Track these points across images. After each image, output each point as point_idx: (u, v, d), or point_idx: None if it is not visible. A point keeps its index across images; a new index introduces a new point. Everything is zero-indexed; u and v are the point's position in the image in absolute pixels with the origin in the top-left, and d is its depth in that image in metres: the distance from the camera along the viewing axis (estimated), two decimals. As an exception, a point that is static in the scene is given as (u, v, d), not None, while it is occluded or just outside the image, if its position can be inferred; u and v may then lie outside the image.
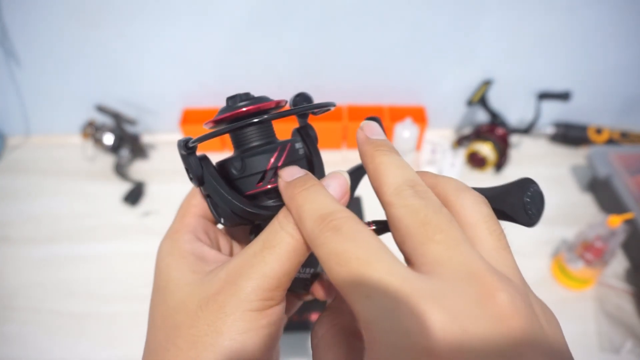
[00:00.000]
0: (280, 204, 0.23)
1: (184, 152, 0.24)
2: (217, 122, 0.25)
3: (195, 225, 0.26)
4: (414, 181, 0.20)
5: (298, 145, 0.26)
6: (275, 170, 0.24)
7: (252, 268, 0.21)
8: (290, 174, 0.23)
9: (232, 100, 0.25)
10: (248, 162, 0.24)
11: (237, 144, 0.26)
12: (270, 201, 0.25)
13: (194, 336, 0.21)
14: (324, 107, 0.25)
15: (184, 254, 0.24)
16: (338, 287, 0.18)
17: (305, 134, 0.28)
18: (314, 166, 0.27)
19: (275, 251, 0.21)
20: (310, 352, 0.24)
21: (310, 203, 0.20)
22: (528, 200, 0.22)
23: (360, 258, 0.17)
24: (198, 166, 0.24)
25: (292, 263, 0.22)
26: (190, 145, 0.23)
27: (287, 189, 0.22)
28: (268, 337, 0.22)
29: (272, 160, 0.24)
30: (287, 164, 0.24)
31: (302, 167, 0.24)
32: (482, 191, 0.23)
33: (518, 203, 0.22)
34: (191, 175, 0.24)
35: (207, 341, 0.21)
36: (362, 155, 0.22)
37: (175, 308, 0.23)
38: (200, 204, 0.27)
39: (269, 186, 0.24)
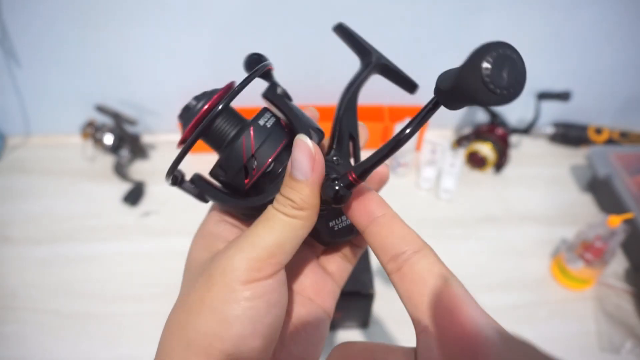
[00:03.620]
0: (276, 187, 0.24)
1: (172, 185, 0.25)
2: (184, 140, 0.25)
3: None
4: None
5: (263, 119, 0.25)
6: (252, 157, 0.24)
7: (243, 239, 0.22)
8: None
9: (185, 110, 0.26)
10: (225, 164, 0.24)
11: (215, 146, 0.26)
12: (271, 184, 0.25)
13: (190, 305, 0.22)
14: (262, 68, 0.26)
15: (204, 233, 0.26)
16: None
17: (272, 96, 0.26)
18: (294, 124, 0.25)
19: (267, 224, 0.22)
20: (324, 351, 0.24)
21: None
22: (488, 67, 0.16)
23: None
24: (193, 189, 0.26)
25: (286, 236, 0.22)
26: (170, 179, 0.25)
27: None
28: (252, 311, 0.21)
29: (244, 152, 0.24)
30: (260, 146, 0.24)
31: (278, 137, 0.25)
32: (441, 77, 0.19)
33: (474, 75, 0.16)
34: (193, 197, 0.26)
35: (195, 309, 0.22)
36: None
37: (187, 286, 0.24)
38: None
39: (255, 178, 0.24)
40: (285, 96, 0.26)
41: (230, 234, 0.26)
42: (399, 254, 0.21)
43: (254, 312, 0.21)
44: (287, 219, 0.22)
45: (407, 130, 0.20)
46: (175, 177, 0.25)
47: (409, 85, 0.31)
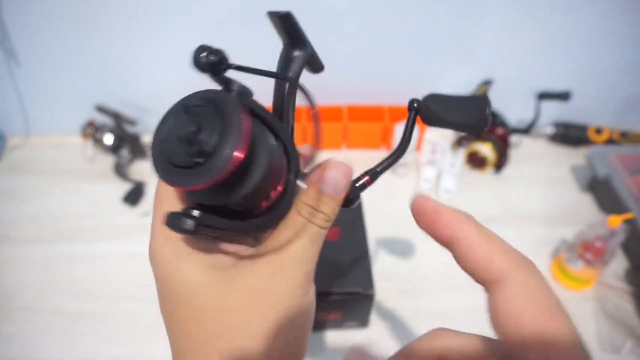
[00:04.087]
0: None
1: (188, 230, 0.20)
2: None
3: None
4: None
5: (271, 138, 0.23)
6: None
7: (285, 256, 0.22)
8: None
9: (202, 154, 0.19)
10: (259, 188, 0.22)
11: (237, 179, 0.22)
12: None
13: (232, 330, 0.21)
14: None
15: (194, 253, 0.23)
16: None
17: (256, 107, 0.23)
18: (282, 137, 0.23)
19: (311, 238, 0.23)
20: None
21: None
22: (490, 113, 0.23)
23: None
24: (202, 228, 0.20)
25: (319, 248, 0.23)
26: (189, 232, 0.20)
27: None
28: (302, 325, 0.23)
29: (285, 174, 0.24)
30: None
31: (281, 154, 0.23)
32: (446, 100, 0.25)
33: (478, 115, 0.23)
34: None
35: (245, 334, 0.21)
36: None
37: (202, 310, 0.22)
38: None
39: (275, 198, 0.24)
40: (250, 95, 0.24)
41: (224, 246, 0.24)
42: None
43: (305, 326, 0.23)
44: (322, 231, 0.23)
45: (404, 140, 0.26)
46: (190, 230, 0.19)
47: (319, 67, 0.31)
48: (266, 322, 0.21)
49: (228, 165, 0.19)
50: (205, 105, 0.20)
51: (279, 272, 0.22)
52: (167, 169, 0.20)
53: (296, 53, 0.27)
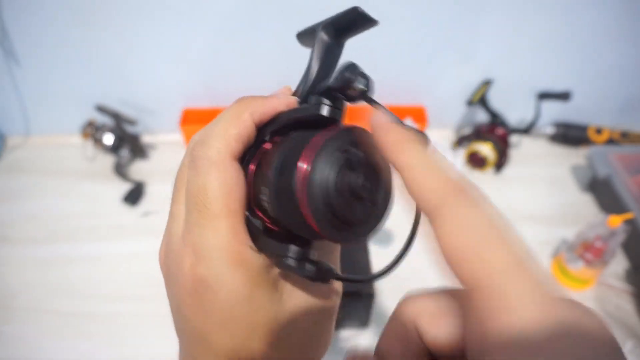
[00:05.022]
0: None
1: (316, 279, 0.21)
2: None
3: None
4: None
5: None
6: None
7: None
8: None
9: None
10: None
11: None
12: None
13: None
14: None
15: (238, 258, 0.20)
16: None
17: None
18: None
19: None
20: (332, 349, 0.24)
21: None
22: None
23: None
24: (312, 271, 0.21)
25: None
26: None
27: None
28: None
29: None
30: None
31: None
32: None
33: None
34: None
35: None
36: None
37: (257, 327, 0.21)
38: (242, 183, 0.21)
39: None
40: None
41: (260, 258, 0.21)
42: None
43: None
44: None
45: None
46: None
47: None
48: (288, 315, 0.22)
49: (385, 219, 0.20)
50: (363, 157, 0.20)
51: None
52: (328, 221, 0.19)
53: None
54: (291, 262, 0.20)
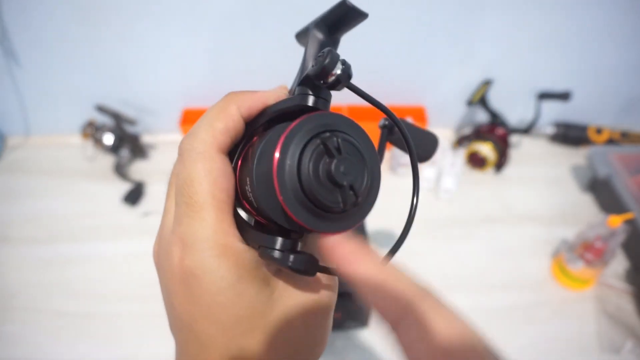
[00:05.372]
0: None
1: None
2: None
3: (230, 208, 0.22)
4: None
5: None
6: None
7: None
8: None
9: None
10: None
11: None
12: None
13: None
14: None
15: (224, 249, 0.20)
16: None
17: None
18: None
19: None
20: (324, 351, 0.24)
21: None
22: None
23: None
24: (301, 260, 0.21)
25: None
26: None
27: None
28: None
29: None
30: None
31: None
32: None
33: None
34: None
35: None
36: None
37: (241, 320, 0.20)
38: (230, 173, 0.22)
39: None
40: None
41: (249, 252, 0.21)
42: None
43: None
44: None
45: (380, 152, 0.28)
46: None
47: None
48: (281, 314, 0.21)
49: (367, 214, 0.20)
50: (349, 147, 0.20)
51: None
52: (305, 208, 0.19)
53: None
54: (275, 253, 0.20)
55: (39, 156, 0.94)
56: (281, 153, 0.18)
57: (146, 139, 0.94)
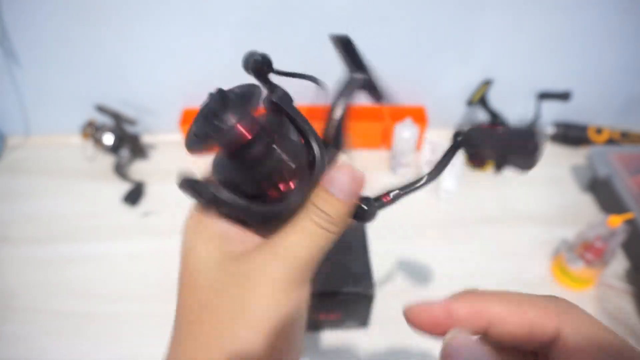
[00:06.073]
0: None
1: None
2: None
3: None
4: None
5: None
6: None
7: (279, 247, 0.22)
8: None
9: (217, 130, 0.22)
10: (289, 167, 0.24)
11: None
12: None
13: (224, 312, 0.22)
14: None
15: (211, 233, 0.23)
16: None
17: (288, 106, 0.26)
18: (310, 137, 0.24)
19: (305, 233, 0.22)
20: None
21: None
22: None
23: None
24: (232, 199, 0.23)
25: (320, 247, 0.23)
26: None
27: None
28: (292, 320, 0.22)
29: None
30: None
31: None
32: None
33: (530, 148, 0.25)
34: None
35: (229, 317, 0.21)
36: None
37: (204, 287, 0.23)
38: None
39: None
40: (290, 99, 0.26)
41: (235, 232, 0.24)
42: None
43: (293, 322, 0.22)
44: (323, 231, 0.23)
45: (439, 168, 0.27)
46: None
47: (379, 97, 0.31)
48: (258, 312, 0.21)
49: (234, 137, 0.21)
50: (238, 94, 0.23)
51: (269, 261, 0.22)
52: (191, 139, 0.22)
53: (354, 76, 0.28)
54: (189, 183, 0.22)
55: (39, 156, 0.94)
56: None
57: (146, 139, 0.94)
